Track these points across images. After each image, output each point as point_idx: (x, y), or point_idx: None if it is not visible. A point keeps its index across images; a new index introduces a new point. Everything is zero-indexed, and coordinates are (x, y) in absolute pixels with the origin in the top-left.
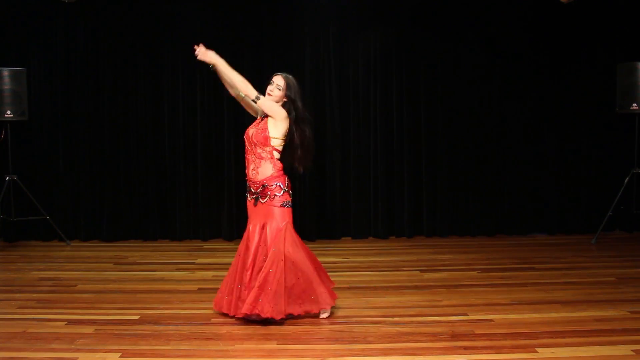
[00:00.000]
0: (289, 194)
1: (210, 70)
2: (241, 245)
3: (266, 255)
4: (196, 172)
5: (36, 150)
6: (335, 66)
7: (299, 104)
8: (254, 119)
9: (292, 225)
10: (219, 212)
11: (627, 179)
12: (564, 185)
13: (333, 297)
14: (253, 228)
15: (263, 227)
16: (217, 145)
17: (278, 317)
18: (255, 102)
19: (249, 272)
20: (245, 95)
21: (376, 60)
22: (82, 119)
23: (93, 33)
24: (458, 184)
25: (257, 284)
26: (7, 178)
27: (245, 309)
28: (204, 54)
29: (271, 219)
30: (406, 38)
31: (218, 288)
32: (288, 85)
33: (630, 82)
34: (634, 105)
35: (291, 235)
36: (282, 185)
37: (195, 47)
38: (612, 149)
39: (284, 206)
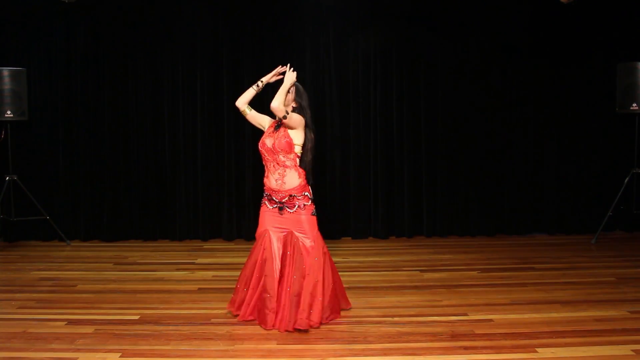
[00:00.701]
0: (314, 203)
1: (258, 87)
2: (258, 252)
3: (302, 264)
4: (196, 172)
5: (36, 150)
6: (335, 66)
7: (309, 112)
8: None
9: (319, 233)
10: (219, 212)
11: (627, 179)
12: (564, 185)
13: (334, 315)
14: (275, 235)
15: (290, 235)
16: (217, 145)
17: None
18: (284, 119)
19: (277, 282)
20: (278, 112)
21: (376, 60)
22: (82, 119)
23: (93, 33)
24: (458, 184)
25: (307, 296)
26: (7, 178)
27: (299, 324)
28: (292, 76)
29: (301, 228)
30: (406, 38)
31: (218, 288)
32: (298, 92)
33: (630, 82)
34: (634, 105)
35: (322, 244)
36: (309, 195)
37: (286, 68)
38: (612, 149)
39: (314, 215)
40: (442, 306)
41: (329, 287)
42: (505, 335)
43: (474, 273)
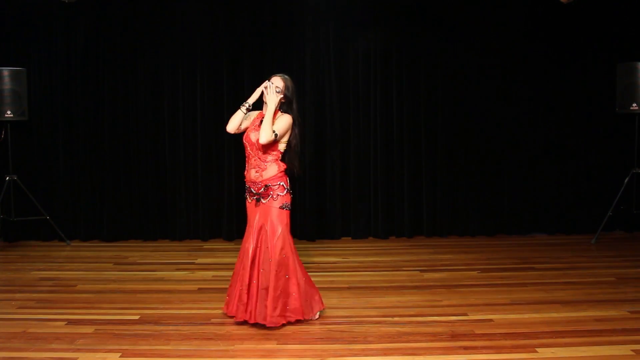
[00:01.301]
0: (290, 195)
1: (247, 109)
2: (242, 247)
3: (269, 259)
4: (196, 172)
5: (36, 150)
6: (335, 66)
7: (295, 105)
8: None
9: (289, 228)
10: (219, 212)
11: (627, 179)
12: (563, 185)
13: (307, 315)
14: (252, 230)
15: (261, 228)
16: (217, 145)
17: (307, 317)
18: (276, 139)
19: (247, 274)
20: (269, 143)
21: (376, 60)
22: (82, 119)
23: (93, 33)
24: (458, 184)
25: (278, 292)
26: (7, 178)
27: (271, 321)
28: (275, 95)
29: (270, 221)
30: (406, 38)
31: (218, 288)
32: (286, 87)
33: (630, 82)
34: (634, 105)
35: (290, 240)
36: (284, 185)
37: (268, 84)
38: (612, 149)
39: (283, 208)
40: (442, 306)
41: (302, 285)
42: (505, 335)
43: (474, 273)
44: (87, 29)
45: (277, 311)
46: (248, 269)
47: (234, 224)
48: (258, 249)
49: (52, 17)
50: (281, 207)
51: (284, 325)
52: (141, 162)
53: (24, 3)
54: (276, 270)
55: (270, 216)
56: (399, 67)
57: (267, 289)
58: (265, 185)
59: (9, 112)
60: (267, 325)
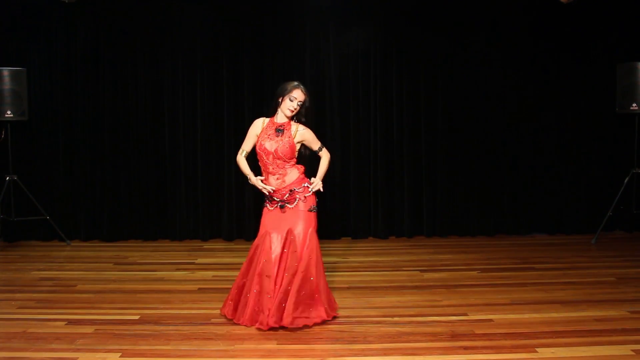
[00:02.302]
0: (315, 195)
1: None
2: (257, 255)
3: (294, 262)
4: (196, 172)
5: (36, 150)
6: (335, 66)
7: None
8: (255, 118)
9: (316, 230)
10: (219, 212)
11: (627, 179)
12: (564, 185)
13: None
14: (275, 237)
15: (289, 233)
16: (217, 145)
17: (331, 316)
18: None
19: (272, 281)
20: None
21: (376, 60)
22: (82, 119)
23: (93, 33)
24: (458, 184)
25: (301, 294)
26: (7, 178)
27: (297, 322)
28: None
29: (298, 224)
30: (406, 38)
31: (218, 288)
32: (307, 98)
33: (630, 82)
34: (634, 105)
35: (318, 243)
36: (309, 186)
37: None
38: (612, 149)
39: (312, 211)
40: (442, 306)
41: (324, 287)
42: (505, 335)
43: (474, 273)
44: (87, 29)
45: (298, 312)
46: (274, 276)
47: (234, 224)
48: (285, 254)
49: (52, 17)
50: (309, 210)
51: (306, 326)
52: (141, 162)
53: (24, 3)
54: (303, 273)
55: (299, 220)
56: (399, 67)
57: (286, 292)
58: (290, 190)
59: (9, 112)
60: (285, 326)
